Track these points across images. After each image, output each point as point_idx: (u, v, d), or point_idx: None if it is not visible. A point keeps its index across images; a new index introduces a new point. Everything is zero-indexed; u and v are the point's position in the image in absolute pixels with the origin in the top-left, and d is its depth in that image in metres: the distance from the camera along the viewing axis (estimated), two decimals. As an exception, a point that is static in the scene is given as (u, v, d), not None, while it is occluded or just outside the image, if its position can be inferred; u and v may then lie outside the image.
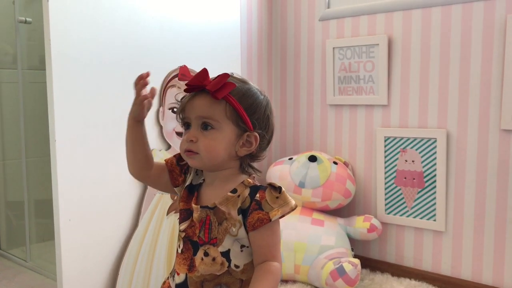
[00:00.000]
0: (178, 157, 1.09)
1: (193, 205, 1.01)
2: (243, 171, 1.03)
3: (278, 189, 0.97)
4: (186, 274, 1.00)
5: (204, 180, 1.05)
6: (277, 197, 0.96)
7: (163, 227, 1.96)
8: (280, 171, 2.36)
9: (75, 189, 1.70)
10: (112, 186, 1.81)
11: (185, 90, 1.00)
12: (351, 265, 1.97)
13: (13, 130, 2.58)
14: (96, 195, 1.76)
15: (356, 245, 2.39)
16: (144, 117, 1.03)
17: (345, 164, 2.39)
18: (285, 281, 2.19)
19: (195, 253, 0.99)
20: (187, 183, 1.06)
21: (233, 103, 0.96)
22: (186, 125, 1.00)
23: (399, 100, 2.24)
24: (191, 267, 0.99)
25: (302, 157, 2.35)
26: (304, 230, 2.18)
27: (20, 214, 2.58)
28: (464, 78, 2.05)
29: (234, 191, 0.99)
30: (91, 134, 1.74)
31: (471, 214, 2.07)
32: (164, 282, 1.09)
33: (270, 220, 0.94)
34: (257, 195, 0.96)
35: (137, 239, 1.87)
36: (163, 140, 1.92)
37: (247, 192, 0.98)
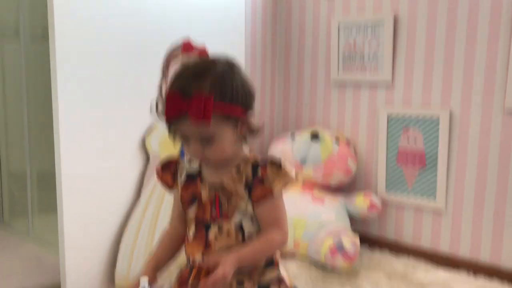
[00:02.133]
0: (163, 165, 1.10)
1: (201, 185, 1.03)
2: (244, 143, 1.05)
3: (279, 163, 1.00)
4: (202, 254, 1.02)
5: (200, 163, 1.07)
6: (278, 171, 0.99)
7: (165, 202, 1.98)
8: (282, 147, 2.37)
9: (78, 161, 1.71)
10: (115, 159, 1.82)
11: (167, 120, 0.97)
12: (350, 241, 1.99)
13: (16, 102, 2.58)
14: (99, 167, 1.77)
15: (356, 222, 2.41)
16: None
17: (347, 142, 2.39)
18: (285, 255, 2.21)
19: (207, 234, 1.02)
20: (183, 181, 1.07)
21: (220, 109, 0.94)
22: (183, 139, 1.00)
23: (403, 79, 2.23)
24: (206, 246, 1.02)
25: (304, 134, 2.35)
26: (304, 207, 2.19)
27: (23, 186, 2.59)
28: (470, 58, 2.04)
29: (237, 168, 1.01)
30: (94, 104, 1.74)
31: (471, 193, 2.08)
32: (181, 270, 1.10)
33: (273, 194, 0.98)
34: (260, 170, 0.99)
35: (139, 212, 1.88)
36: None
37: (249, 168, 1.00)
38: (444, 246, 2.18)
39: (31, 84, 2.52)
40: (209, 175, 1.04)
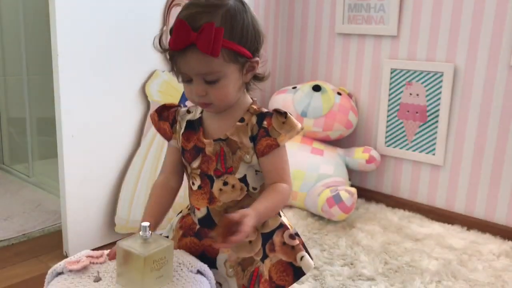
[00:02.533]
0: (159, 111, 1.07)
1: (205, 140, 1.00)
2: (247, 91, 1.02)
3: (283, 114, 0.97)
4: (207, 208, 1.02)
5: (201, 113, 1.03)
6: (283, 122, 0.97)
7: (165, 149, 1.98)
8: (283, 99, 2.35)
9: (78, 106, 1.70)
10: (115, 104, 1.80)
11: (172, 49, 0.92)
12: (348, 193, 2.01)
13: (14, 45, 2.54)
14: (99, 112, 1.76)
15: (354, 176, 2.43)
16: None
17: (349, 95, 2.38)
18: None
19: (212, 186, 1.00)
20: (182, 130, 1.04)
21: (229, 46, 0.90)
22: (186, 79, 0.95)
23: (409, 31, 2.19)
24: (211, 199, 1.01)
25: (306, 86, 2.33)
26: (303, 159, 2.20)
27: (22, 131, 2.59)
28: (478, 12, 1.99)
29: (242, 120, 0.99)
30: (94, 48, 1.71)
31: (471, 149, 2.09)
32: (183, 217, 1.09)
33: (279, 145, 0.96)
34: (264, 122, 0.97)
35: (140, 158, 1.89)
36: (166, 61, 1.89)
37: (254, 119, 0.98)
38: (440, 201, 2.20)
39: (29, 29, 2.47)
40: (212, 126, 1.01)
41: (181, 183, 1.09)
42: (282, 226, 1.04)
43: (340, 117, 2.26)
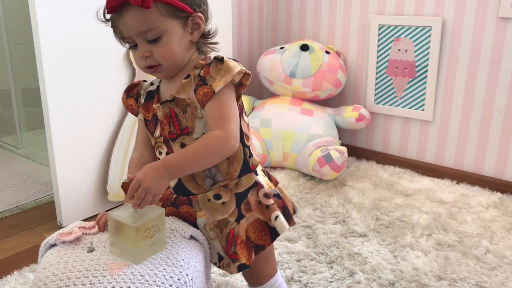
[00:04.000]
0: (127, 90, 1.06)
1: (153, 106, 0.98)
2: (201, 53, 1.00)
3: (221, 60, 0.93)
4: None
5: (160, 81, 1.02)
6: (220, 69, 0.93)
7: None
8: (271, 60, 2.32)
9: (62, 75, 1.67)
10: (100, 72, 1.77)
11: (108, 13, 0.91)
12: (338, 152, 2.02)
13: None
14: (84, 80, 1.73)
15: (344, 134, 2.44)
16: None
17: (337, 53, 2.35)
18: (273, 167, 2.25)
19: (171, 150, 0.98)
20: (143, 101, 1.03)
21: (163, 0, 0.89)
22: (131, 44, 0.94)
23: (396, -15, 2.15)
24: None
25: (294, 46, 2.30)
26: (293, 120, 2.20)
27: (8, 103, 2.55)
28: (466, -38, 1.95)
29: (187, 76, 0.96)
30: (75, 16, 1.66)
31: (460, 104, 2.09)
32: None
33: (214, 92, 0.91)
34: (202, 71, 0.94)
35: (128, 126, 1.87)
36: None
37: (197, 72, 0.95)
38: (429, 156, 2.22)
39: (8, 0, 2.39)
40: (163, 91, 1.00)
41: (155, 154, 1.07)
42: (256, 185, 1.01)
43: (329, 76, 2.24)
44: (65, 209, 1.76)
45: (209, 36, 1.00)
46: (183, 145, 0.96)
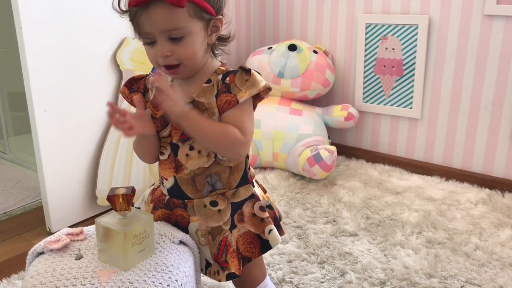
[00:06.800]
0: (128, 85, 1.03)
1: None
2: (214, 55, 0.99)
3: (248, 71, 0.94)
4: (174, 177, 1.00)
5: (172, 80, 1.01)
6: (246, 80, 0.93)
7: (142, 118, 1.95)
8: (259, 61, 2.32)
9: (48, 79, 1.65)
10: (87, 75, 1.76)
11: (133, 6, 0.87)
12: (328, 151, 2.02)
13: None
14: (70, 83, 1.72)
15: (333, 134, 2.44)
16: (148, 132, 0.96)
17: (325, 53, 2.35)
18: (263, 168, 2.25)
19: (176, 154, 0.98)
20: (151, 97, 1.01)
21: (195, 1, 0.87)
22: (149, 40, 0.91)
23: (382, -16, 2.16)
24: (177, 168, 0.99)
25: (282, 46, 2.30)
26: (282, 120, 2.20)
27: (-6, 108, 2.53)
28: (451, -40, 1.96)
29: (208, 81, 0.96)
30: (59, 19, 1.65)
31: (447, 101, 2.10)
32: (154, 189, 1.08)
33: (238, 102, 0.92)
34: (227, 78, 0.94)
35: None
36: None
37: (220, 78, 0.95)
38: (418, 154, 2.24)
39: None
40: (181, 91, 0.98)
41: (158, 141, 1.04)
42: (253, 197, 1.01)
43: (317, 76, 2.25)
44: (54, 214, 1.74)
45: (228, 40, 0.99)
46: (192, 148, 0.97)
